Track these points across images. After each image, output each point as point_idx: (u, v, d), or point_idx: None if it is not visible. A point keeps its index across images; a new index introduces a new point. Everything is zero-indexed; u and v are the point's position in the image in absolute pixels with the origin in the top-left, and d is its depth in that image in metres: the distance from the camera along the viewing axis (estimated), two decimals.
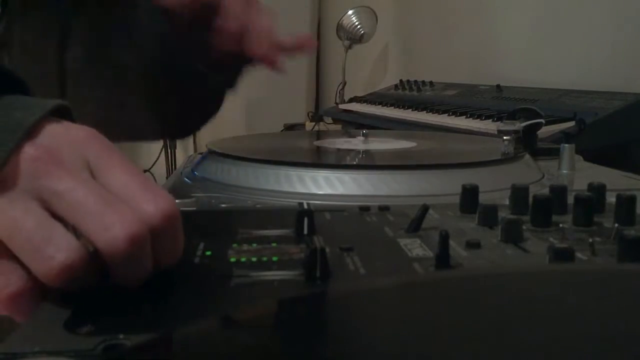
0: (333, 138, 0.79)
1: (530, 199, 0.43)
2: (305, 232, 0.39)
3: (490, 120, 1.18)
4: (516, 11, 1.59)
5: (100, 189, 0.30)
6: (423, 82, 1.75)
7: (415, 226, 0.40)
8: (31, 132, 0.31)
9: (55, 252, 0.28)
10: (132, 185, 0.31)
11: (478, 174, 0.54)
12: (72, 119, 0.34)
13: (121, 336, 0.25)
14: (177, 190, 0.57)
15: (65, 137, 0.32)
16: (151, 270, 0.30)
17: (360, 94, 1.93)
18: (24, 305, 0.30)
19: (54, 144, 0.31)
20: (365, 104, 1.76)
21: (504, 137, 0.65)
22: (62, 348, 0.24)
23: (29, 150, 0.30)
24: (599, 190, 0.46)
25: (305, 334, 0.21)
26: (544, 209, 0.41)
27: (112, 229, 0.29)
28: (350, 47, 2.13)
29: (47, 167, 0.30)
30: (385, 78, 2.20)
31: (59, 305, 0.28)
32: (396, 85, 1.85)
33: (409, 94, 1.74)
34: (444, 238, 0.33)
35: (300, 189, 0.53)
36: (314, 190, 0.53)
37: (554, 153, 0.70)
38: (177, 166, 2.30)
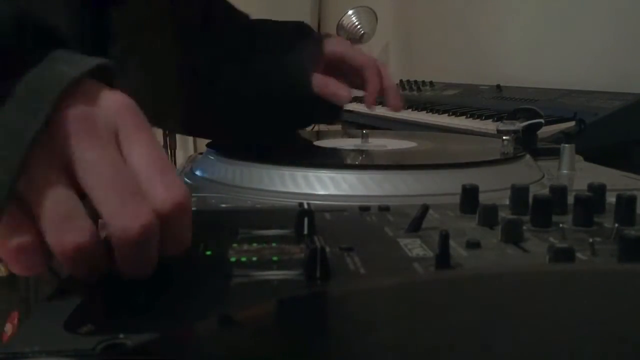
0: (333, 138, 0.79)
1: (530, 199, 0.43)
2: (305, 232, 0.39)
3: (490, 120, 1.18)
4: (516, 11, 1.59)
5: (124, 168, 0.31)
6: (423, 82, 1.75)
7: (415, 226, 0.40)
8: (74, 87, 0.31)
9: (70, 230, 0.29)
10: (152, 167, 0.31)
11: (478, 174, 0.54)
12: (116, 79, 0.34)
13: (121, 336, 0.25)
14: None
15: (102, 102, 0.32)
16: (156, 260, 0.31)
17: (361, 94, 1.93)
18: (29, 260, 0.30)
19: (91, 108, 0.31)
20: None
21: (504, 137, 0.65)
22: (62, 348, 0.24)
23: (69, 111, 0.30)
24: (599, 190, 0.46)
25: (305, 334, 0.21)
26: (544, 209, 0.41)
27: (128, 215, 0.29)
28: None
29: (81, 132, 0.30)
30: None
31: (59, 305, 0.28)
32: (396, 85, 1.85)
33: (409, 94, 1.74)
34: (444, 238, 0.33)
35: (300, 189, 0.53)
36: (314, 190, 0.53)
37: (554, 153, 0.70)
38: (177, 166, 2.30)
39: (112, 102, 0.32)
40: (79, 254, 0.29)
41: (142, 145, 0.32)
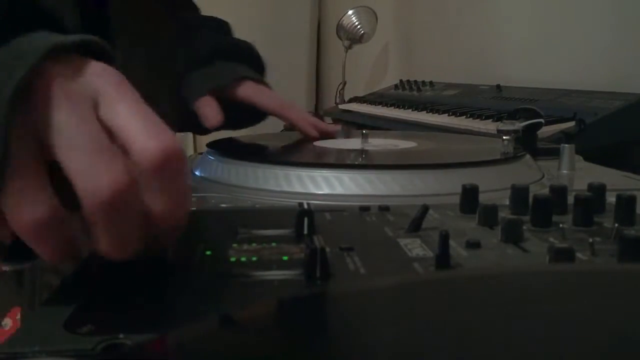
0: (333, 138, 0.79)
1: (530, 199, 0.43)
2: (305, 232, 0.39)
3: (490, 120, 1.18)
4: (516, 11, 1.59)
5: (95, 127, 0.29)
6: (423, 82, 1.75)
7: (415, 226, 0.40)
8: (59, 55, 0.30)
9: (28, 204, 0.28)
10: (135, 120, 0.30)
11: (478, 174, 0.54)
12: (110, 57, 0.33)
13: (121, 336, 0.25)
14: None
15: (83, 68, 0.31)
16: (141, 236, 0.29)
17: (360, 94, 1.93)
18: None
19: (67, 73, 0.30)
20: (365, 104, 1.77)
21: (504, 137, 0.65)
22: (62, 348, 0.24)
23: (46, 74, 0.30)
24: (599, 190, 0.46)
25: (305, 334, 0.21)
26: (544, 209, 0.41)
27: (96, 175, 0.28)
28: (350, 47, 2.13)
29: (54, 95, 0.29)
30: (385, 78, 2.20)
31: (59, 305, 0.28)
32: (396, 85, 1.85)
33: (409, 94, 1.74)
34: (444, 238, 0.33)
35: (300, 189, 0.53)
36: (314, 190, 0.53)
37: (554, 153, 0.70)
38: None
39: (95, 68, 0.31)
40: (37, 229, 0.28)
41: (123, 103, 0.30)
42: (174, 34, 0.78)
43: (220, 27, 0.84)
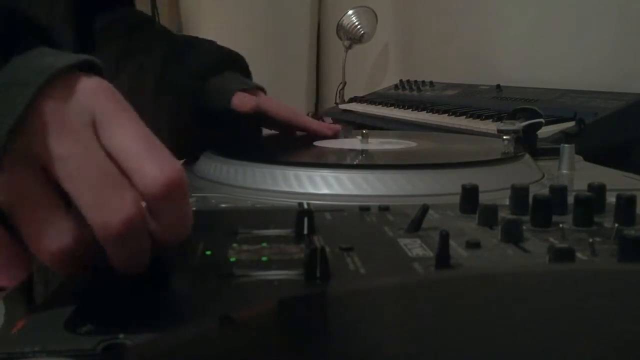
0: (333, 138, 0.79)
1: (530, 199, 0.43)
2: (305, 232, 0.39)
3: (490, 120, 1.18)
4: (516, 11, 1.59)
5: (101, 156, 0.29)
6: (423, 82, 1.75)
7: (415, 226, 0.40)
8: (57, 80, 0.30)
9: (51, 235, 0.28)
10: (137, 146, 0.30)
11: (478, 174, 0.54)
12: (104, 76, 0.33)
13: (121, 336, 0.25)
14: None
15: (77, 90, 0.31)
16: (150, 252, 0.30)
17: (360, 94, 1.93)
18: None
19: (63, 99, 0.30)
20: (365, 104, 1.76)
21: (504, 137, 0.65)
22: (62, 348, 0.24)
23: (41, 104, 0.29)
24: (599, 190, 0.46)
25: (305, 334, 0.21)
26: (544, 209, 0.41)
27: (107, 209, 0.28)
28: (350, 47, 2.13)
29: (52, 128, 0.29)
30: (385, 78, 2.20)
31: (59, 305, 0.28)
32: (396, 85, 1.85)
33: (409, 94, 1.74)
34: (444, 238, 0.33)
35: (300, 189, 0.53)
36: (314, 190, 0.53)
37: (554, 153, 0.70)
38: None
39: (87, 88, 0.31)
40: (66, 258, 0.29)
41: (123, 126, 0.30)
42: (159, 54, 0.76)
43: (211, 43, 0.81)
